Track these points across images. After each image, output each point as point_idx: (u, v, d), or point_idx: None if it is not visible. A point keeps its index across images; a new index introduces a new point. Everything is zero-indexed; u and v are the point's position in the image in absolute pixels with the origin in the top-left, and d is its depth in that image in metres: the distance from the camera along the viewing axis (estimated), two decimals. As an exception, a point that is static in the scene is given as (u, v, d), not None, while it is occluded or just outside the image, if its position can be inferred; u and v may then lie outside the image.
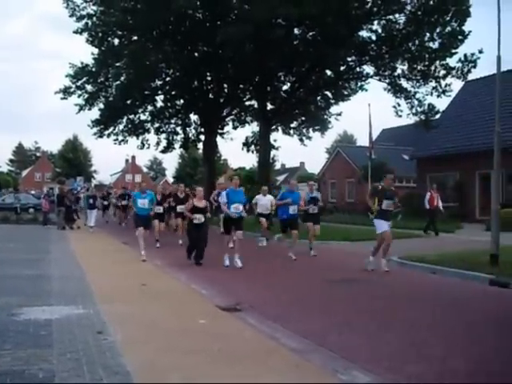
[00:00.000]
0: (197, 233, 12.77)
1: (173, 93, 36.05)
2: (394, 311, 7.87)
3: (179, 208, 17.28)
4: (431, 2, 26.13)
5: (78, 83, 32.75)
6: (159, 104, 37.13)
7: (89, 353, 5.33)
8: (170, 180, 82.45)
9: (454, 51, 27.66)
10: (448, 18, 26.67)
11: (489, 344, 6.10)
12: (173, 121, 38.45)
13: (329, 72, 31.72)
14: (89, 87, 33.40)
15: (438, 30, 27.26)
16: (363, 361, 5.37)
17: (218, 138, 38.93)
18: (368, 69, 31.46)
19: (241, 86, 34.37)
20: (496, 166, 12.72)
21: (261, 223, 17.18)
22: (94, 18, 30.54)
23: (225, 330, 6.62)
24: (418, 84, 29.75)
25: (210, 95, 35.73)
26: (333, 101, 35.07)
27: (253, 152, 37.38)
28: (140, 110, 36.83)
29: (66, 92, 32.72)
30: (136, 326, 6.61)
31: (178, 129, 38.73)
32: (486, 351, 5.81)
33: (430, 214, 21.20)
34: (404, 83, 30.31)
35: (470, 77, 29.93)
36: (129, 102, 34.08)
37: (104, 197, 30.04)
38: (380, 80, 31.33)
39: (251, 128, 39.48)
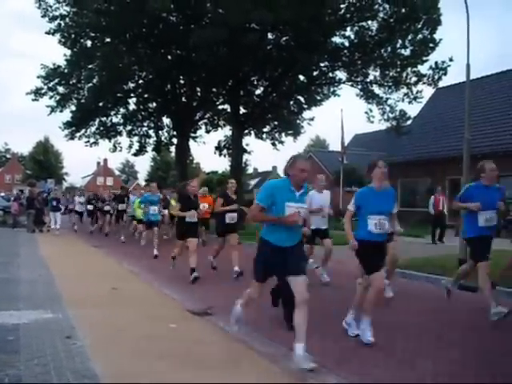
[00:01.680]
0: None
1: (145, 96, 35.84)
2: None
3: (229, 218, 11.95)
4: (403, 10, 26.49)
5: (50, 84, 32.38)
6: (132, 107, 36.87)
7: (57, 358, 5.27)
8: (142, 183, 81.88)
9: (425, 58, 28.13)
10: (419, 26, 27.12)
11: (456, 348, 6.19)
12: (145, 124, 38.21)
13: (302, 77, 31.91)
14: (61, 89, 33.05)
15: (409, 38, 27.68)
16: (332, 365, 5.41)
17: (191, 142, 38.83)
18: (340, 74, 31.77)
19: (214, 89, 34.31)
20: (465, 172, 12.94)
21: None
22: (67, 19, 30.25)
23: (195, 334, 6.61)
24: (389, 90, 30.16)
25: (183, 99, 35.61)
26: (305, 106, 35.22)
27: (225, 156, 37.33)
28: (112, 113, 36.51)
29: (37, 93, 32.33)
30: (105, 331, 6.56)
31: (151, 132, 38.49)
32: (453, 354, 5.89)
33: (433, 219, 20.15)
34: (376, 89, 30.71)
35: (441, 84, 30.48)
36: (101, 104, 33.79)
37: (90, 200, 26.23)
38: (352, 86, 31.63)
39: (224, 132, 39.58)
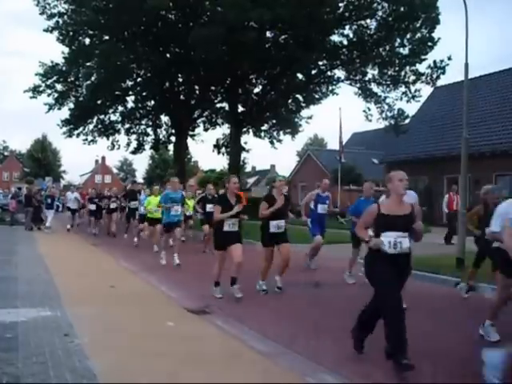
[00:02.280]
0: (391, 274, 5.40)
1: (144, 94, 35.87)
2: (357, 312, 7.91)
3: (274, 226, 9.54)
4: (402, 9, 26.54)
5: (48, 82, 32.40)
6: (130, 105, 36.95)
7: (55, 356, 5.27)
8: (140, 181, 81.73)
9: (423, 57, 28.21)
10: (418, 25, 27.19)
11: (454, 347, 6.19)
12: (143, 122, 38.26)
13: (300, 75, 31.95)
14: (59, 86, 33.08)
15: (408, 36, 27.75)
16: (331, 364, 5.41)
17: (189, 140, 38.93)
18: (339, 73, 31.90)
19: (212, 88, 34.36)
20: (463, 171, 12.96)
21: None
22: (65, 17, 30.27)
23: (193, 332, 6.60)
24: (388, 89, 30.23)
25: (181, 97, 35.65)
26: (304, 104, 35.30)
27: (223, 154, 37.43)
28: (110, 111, 36.56)
29: (35, 91, 32.33)
30: (103, 329, 6.56)
31: (149, 130, 38.58)
32: (451, 354, 5.90)
33: (448, 218, 19.62)
34: (374, 88, 30.80)
35: (439, 83, 30.51)
36: (99, 102, 33.81)
37: (91, 198, 22.80)
38: (351, 84, 31.72)
39: (222, 130, 39.66)
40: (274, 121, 37.00)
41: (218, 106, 36.96)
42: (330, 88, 33.88)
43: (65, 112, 35.02)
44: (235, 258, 8.63)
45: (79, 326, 6.49)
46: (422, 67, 29.18)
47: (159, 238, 15.41)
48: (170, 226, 13.30)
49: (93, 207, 22.56)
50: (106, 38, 30.86)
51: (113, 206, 22.05)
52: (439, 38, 27.63)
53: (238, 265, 8.68)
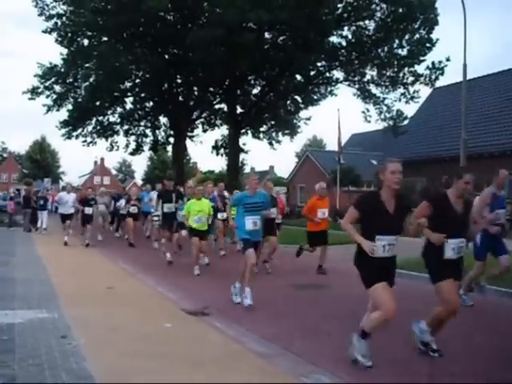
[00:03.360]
0: None
1: (142, 95, 35.90)
2: (357, 315, 7.88)
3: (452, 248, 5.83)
4: (400, 10, 26.60)
5: (47, 83, 32.45)
6: (128, 106, 37.03)
7: (52, 357, 5.24)
8: (139, 182, 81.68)
9: (422, 58, 28.29)
10: (416, 26, 27.26)
11: (447, 346, 6.17)
12: (142, 123, 38.30)
13: (299, 76, 32.02)
14: (57, 88, 33.14)
15: (406, 38, 27.82)
16: (327, 365, 5.39)
17: (188, 141, 38.95)
18: (338, 74, 32.00)
19: (211, 89, 34.39)
20: (462, 172, 12.96)
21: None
22: (64, 18, 30.31)
23: (191, 334, 6.58)
24: (386, 90, 30.30)
25: (180, 98, 35.67)
26: (302, 105, 35.34)
27: (222, 155, 37.45)
28: (109, 112, 36.60)
29: (33, 92, 32.37)
30: (101, 330, 6.53)
31: (148, 131, 38.65)
32: (444, 353, 5.88)
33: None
34: (373, 89, 30.89)
35: (438, 84, 30.55)
36: (98, 103, 33.84)
37: (87, 200, 18.19)
38: (349, 85, 31.78)
39: (221, 131, 39.66)
40: (273, 122, 37.04)
41: (217, 107, 37.04)
42: (329, 89, 33.98)
43: (63, 113, 35.12)
44: (387, 308, 5.49)
45: (76, 328, 6.46)
46: (420, 68, 29.36)
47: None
48: (248, 243, 8.52)
49: (89, 211, 18.07)
50: (105, 39, 30.90)
51: (133, 210, 18.38)
52: (438, 39, 27.75)
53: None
